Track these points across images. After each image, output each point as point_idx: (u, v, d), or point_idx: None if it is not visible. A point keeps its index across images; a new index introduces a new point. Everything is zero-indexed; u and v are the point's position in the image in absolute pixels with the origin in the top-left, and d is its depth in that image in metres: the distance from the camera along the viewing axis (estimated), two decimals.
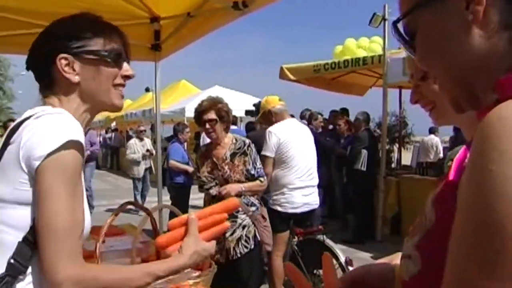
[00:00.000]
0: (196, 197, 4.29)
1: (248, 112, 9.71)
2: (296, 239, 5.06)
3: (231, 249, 3.95)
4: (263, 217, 4.27)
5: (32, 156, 1.25)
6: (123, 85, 1.55)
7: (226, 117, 4.06)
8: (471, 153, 0.67)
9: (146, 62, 4.90)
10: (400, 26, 0.87)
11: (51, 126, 1.30)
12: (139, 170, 11.19)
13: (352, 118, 9.63)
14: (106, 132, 25.95)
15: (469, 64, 0.76)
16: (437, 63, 0.82)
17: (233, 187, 3.90)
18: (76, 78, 1.45)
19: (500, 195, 0.60)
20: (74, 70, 1.45)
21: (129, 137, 14.63)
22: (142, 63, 4.90)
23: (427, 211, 0.88)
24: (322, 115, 10.12)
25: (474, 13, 0.73)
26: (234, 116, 8.08)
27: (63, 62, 1.43)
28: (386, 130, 9.54)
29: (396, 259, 1.32)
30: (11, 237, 1.28)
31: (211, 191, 4.01)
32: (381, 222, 8.47)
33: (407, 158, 12.65)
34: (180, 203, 7.93)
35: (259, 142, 4.82)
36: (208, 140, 4.38)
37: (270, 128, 4.98)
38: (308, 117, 9.51)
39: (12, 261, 1.26)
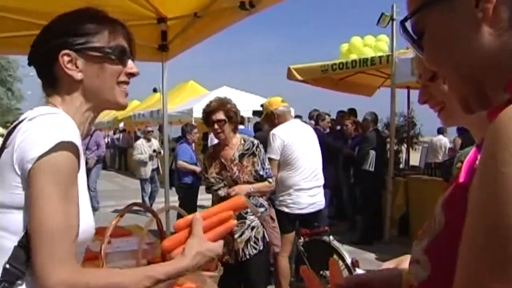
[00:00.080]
0: (204, 197, 4.28)
1: (255, 113, 9.70)
2: (302, 239, 5.05)
3: (240, 250, 3.93)
4: (272, 218, 4.26)
5: (25, 159, 1.22)
6: (127, 83, 1.52)
7: (234, 118, 4.05)
8: (482, 154, 0.66)
9: (154, 62, 4.89)
10: (408, 25, 0.85)
11: (43, 128, 1.26)
12: (146, 171, 11.18)
13: (360, 118, 9.60)
14: (114, 133, 26.05)
15: (479, 63, 0.75)
16: (446, 62, 0.81)
17: (242, 188, 3.88)
18: (79, 75, 1.41)
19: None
20: (77, 67, 1.41)
21: (137, 138, 14.67)
22: (150, 64, 4.91)
23: (436, 215, 0.86)
24: (329, 115, 10.09)
25: (483, 10, 0.71)
26: (242, 117, 8.08)
27: (66, 58, 1.39)
28: (394, 131, 9.49)
29: (403, 262, 1.30)
30: (9, 242, 1.25)
31: (219, 192, 3.99)
32: (389, 223, 8.44)
33: (415, 159, 12.59)
34: (188, 203, 7.94)
35: (267, 142, 4.83)
36: (216, 141, 4.36)
37: (274, 131, 4.99)
38: (315, 118, 9.50)
39: (7, 266, 1.23)
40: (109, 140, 26.79)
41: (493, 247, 0.60)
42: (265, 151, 4.28)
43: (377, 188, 8.52)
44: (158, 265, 1.42)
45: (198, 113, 14.16)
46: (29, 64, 1.48)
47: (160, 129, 14.66)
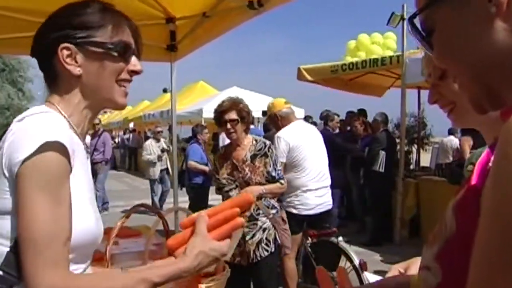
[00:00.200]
0: (215, 197, 4.26)
1: (265, 113, 9.70)
2: (310, 240, 5.02)
3: (251, 252, 3.90)
4: (283, 219, 4.23)
5: (12, 162, 1.18)
6: (128, 81, 1.44)
7: (247, 118, 4.02)
8: (495, 156, 0.63)
9: (164, 63, 4.90)
10: (417, 22, 0.82)
11: (29, 129, 1.22)
12: (155, 172, 11.20)
13: (370, 119, 9.56)
14: (124, 133, 26.19)
15: (492, 60, 0.71)
16: (457, 60, 0.77)
17: (254, 189, 3.84)
18: (77, 71, 1.34)
19: None
20: (76, 62, 1.34)
21: (147, 138, 14.71)
22: (160, 64, 4.91)
23: (447, 219, 0.83)
24: (338, 115, 10.05)
25: (497, 5, 0.68)
26: (252, 117, 8.10)
27: (65, 52, 1.33)
28: (405, 131, 9.44)
29: (413, 265, 1.27)
30: (2, 247, 1.21)
31: (231, 193, 3.94)
32: (399, 225, 8.38)
33: (426, 160, 12.52)
34: (199, 204, 7.97)
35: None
36: (227, 141, 4.34)
37: (279, 133, 4.99)
38: (324, 118, 9.47)
39: (0, 272, 1.20)
40: (119, 140, 26.94)
41: (507, 249, 0.57)
42: None
43: (387, 189, 8.47)
44: (155, 266, 1.35)
45: (207, 113, 14.21)
46: (32, 55, 1.43)
47: (170, 130, 14.71)
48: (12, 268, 1.19)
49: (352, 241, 7.44)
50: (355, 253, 4.85)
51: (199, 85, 20.17)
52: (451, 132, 11.79)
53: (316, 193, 4.98)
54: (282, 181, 4.04)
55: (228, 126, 3.94)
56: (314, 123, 10.24)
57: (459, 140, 7.76)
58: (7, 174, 1.19)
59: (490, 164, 0.66)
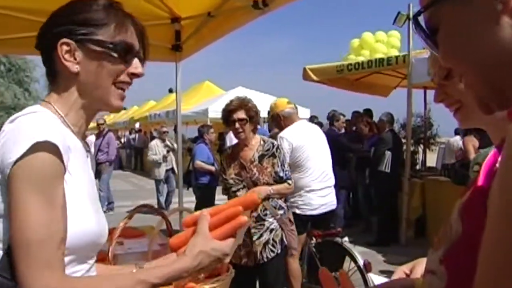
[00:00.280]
0: (221, 198, 4.25)
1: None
2: (314, 241, 5.00)
3: (258, 253, 3.87)
4: (290, 220, 4.21)
5: (4, 163, 1.16)
6: (128, 83, 1.39)
7: (255, 118, 3.99)
8: (503, 156, 0.61)
9: (169, 63, 4.89)
10: (421, 20, 0.80)
11: (20, 130, 1.19)
12: (160, 172, 11.21)
13: (376, 119, 9.53)
14: (130, 133, 26.25)
15: (499, 59, 0.70)
16: (462, 59, 0.76)
17: (262, 189, 3.80)
18: (75, 68, 1.30)
19: None
20: (75, 58, 1.30)
21: (152, 138, 14.74)
22: (165, 64, 4.91)
23: (452, 221, 0.81)
24: (344, 116, 10.04)
25: (503, 2, 0.67)
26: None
27: (64, 48, 1.30)
28: (411, 131, 9.41)
29: (418, 266, 1.26)
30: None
31: (238, 193, 3.91)
32: (405, 225, 8.35)
33: (432, 160, 12.49)
34: (206, 204, 7.93)
35: None
36: (234, 141, 4.31)
37: (281, 134, 4.98)
38: (330, 118, 9.46)
39: None
40: (125, 140, 27.01)
41: None
42: None
43: (393, 189, 8.45)
44: (154, 267, 1.33)
45: (213, 113, 14.22)
46: (36, 47, 1.39)
47: (176, 130, 14.71)
48: (7, 271, 1.17)
49: (358, 241, 7.44)
50: (360, 253, 4.83)
51: (205, 85, 20.17)
52: (457, 132, 11.76)
53: (319, 193, 4.97)
54: (289, 181, 4.01)
55: (237, 125, 3.91)
56: (320, 123, 10.24)
57: (463, 140, 7.72)
58: (0, 177, 1.17)
59: (497, 165, 0.64)
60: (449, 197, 6.25)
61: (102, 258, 1.89)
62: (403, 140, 9.21)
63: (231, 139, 7.14)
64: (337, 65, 10.50)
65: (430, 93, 10.27)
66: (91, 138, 12.06)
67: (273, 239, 3.90)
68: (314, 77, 10.77)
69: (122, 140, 28.37)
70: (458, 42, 0.74)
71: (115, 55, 1.33)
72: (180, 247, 1.37)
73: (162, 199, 11.41)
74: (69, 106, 1.34)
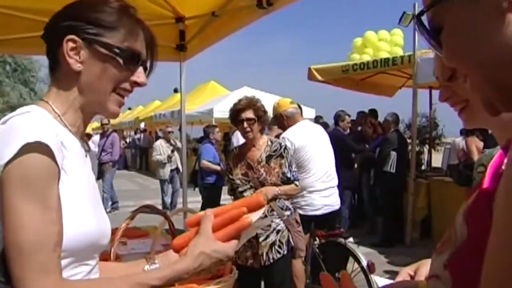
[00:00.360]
0: (227, 197, 4.24)
1: None
2: (317, 241, 4.99)
3: (264, 254, 3.84)
4: (297, 222, 4.18)
5: None
6: (129, 91, 1.36)
7: (263, 118, 3.96)
8: (509, 158, 0.60)
9: (174, 62, 4.89)
10: (424, 20, 0.78)
11: (10, 131, 1.15)
12: (165, 172, 11.21)
13: (381, 119, 9.51)
14: (135, 133, 26.32)
15: (504, 58, 0.68)
16: (467, 59, 0.74)
17: (269, 190, 3.79)
18: (77, 66, 1.27)
19: None
20: (79, 57, 1.27)
21: (157, 138, 14.77)
22: (170, 64, 4.90)
23: (457, 225, 0.79)
24: (349, 116, 10.02)
25: (510, 0, 0.65)
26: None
27: (70, 44, 1.26)
28: (416, 132, 9.38)
29: (422, 267, 1.25)
30: None
31: (245, 193, 3.88)
32: (410, 226, 8.33)
33: (437, 160, 12.45)
34: (212, 203, 8.03)
35: None
36: (241, 142, 4.28)
37: (284, 134, 4.97)
38: (335, 118, 9.44)
39: None
40: (130, 140, 27.09)
41: None
42: None
43: (398, 189, 8.43)
44: (152, 269, 1.30)
45: (218, 114, 14.23)
46: (42, 37, 1.36)
47: (181, 129, 14.73)
48: (2, 275, 1.14)
49: (363, 242, 7.41)
50: (365, 254, 4.81)
51: (210, 85, 20.20)
52: (463, 132, 11.73)
53: (322, 193, 4.95)
54: (296, 182, 3.99)
55: (245, 125, 3.88)
56: (325, 123, 10.21)
57: (465, 141, 7.69)
58: None
59: (503, 167, 0.63)
60: (454, 198, 6.23)
61: (104, 258, 1.88)
62: (409, 141, 9.18)
63: (238, 139, 7.14)
64: (342, 65, 10.50)
65: (436, 93, 10.20)
66: (96, 138, 12.09)
67: (279, 240, 3.87)
68: (319, 77, 10.76)
69: (127, 140, 28.45)
70: (462, 41, 0.72)
71: (121, 61, 1.30)
72: (183, 248, 1.34)
73: (167, 199, 11.41)
74: (67, 105, 1.31)
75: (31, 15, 3.71)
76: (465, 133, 7.89)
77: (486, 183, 0.77)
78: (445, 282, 0.79)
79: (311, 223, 4.94)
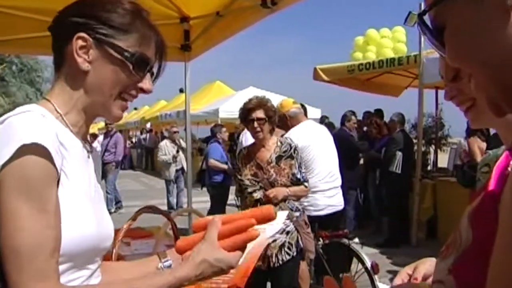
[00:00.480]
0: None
1: None
2: (321, 242, 4.97)
3: (273, 256, 3.79)
4: (306, 223, 4.15)
5: None
6: (134, 97, 1.33)
7: (273, 118, 3.93)
8: None
9: (179, 62, 4.88)
10: (427, 19, 0.76)
11: (7, 132, 1.12)
12: (170, 172, 11.21)
13: (387, 119, 9.48)
14: (141, 133, 26.38)
15: (510, 58, 0.66)
16: (471, 59, 0.72)
17: (279, 191, 3.78)
18: (85, 66, 1.23)
19: None
20: (88, 56, 1.23)
21: (163, 138, 14.79)
22: (176, 64, 4.89)
23: (462, 229, 0.78)
24: (356, 116, 10.00)
25: None
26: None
27: (80, 42, 1.22)
28: (422, 132, 9.35)
29: (420, 265, 1.23)
30: None
31: (255, 194, 3.84)
32: (416, 226, 8.30)
33: (443, 160, 12.40)
34: (220, 202, 8.08)
35: None
36: (250, 142, 4.25)
37: (287, 135, 4.94)
38: (341, 118, 9.42)
39: None
40: (136, 140, 27.16)
41: None
42: None
43: (404, 190, 8.40)
44: (149, 277, 1.27)
45: (224, 114, 14.24)
46: (48, 29, 1.32)
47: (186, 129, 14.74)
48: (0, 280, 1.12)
49: (368, 242, 7.39)
50: (371, 254, 4.80)
51: (215, 85, 20.20)
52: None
53: (326, 193, 4.93)
54: (306, 183, 3.97)
55: (255, 124, 3.84)
56: (331, 124, 10.19)
57: (467, 142, 7.63)
58: None
59: (509, 168, 0.61)
60: (460, 198, 6.19)
61: (106, 259, 1.87)
62: (414, 141, 9.14)
63: (246, 139, 7.13)
64: (348, 65, 10.48)
65: (442, 93, 10.14)
66: (101, 138, 12.10)
67: (289, 242, 3.84)
68: (325, 77, 10.75)
69: (133, 140, 28.52)
70: (465, 40, 0.70)
71: (130, 66, 1.27)
72: (187, 251, 1.31)
73: (172, 200, 11.42)
74: (70, 105, 1.28)
75: (36, 15, 3.71)
76: (467, 133, 7.85)
77: (491, 185, 0.75)
78: (449, 287, 0.78)
79: (315, 223, 4.92)
